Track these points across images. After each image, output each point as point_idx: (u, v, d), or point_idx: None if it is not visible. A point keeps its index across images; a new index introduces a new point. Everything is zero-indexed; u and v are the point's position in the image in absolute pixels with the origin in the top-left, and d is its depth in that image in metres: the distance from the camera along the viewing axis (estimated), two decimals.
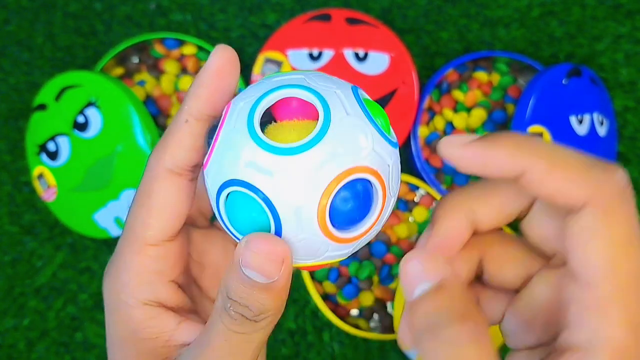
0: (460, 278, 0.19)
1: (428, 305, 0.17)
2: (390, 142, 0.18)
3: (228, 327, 0.18)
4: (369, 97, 0.19)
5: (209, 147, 0.19)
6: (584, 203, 0.16)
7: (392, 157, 0.18)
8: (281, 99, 0.18)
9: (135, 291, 0.20)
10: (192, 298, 0.23)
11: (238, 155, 0.17)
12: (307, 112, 0.18)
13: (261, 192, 0.17)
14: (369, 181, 0.18)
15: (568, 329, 0.17)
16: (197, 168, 0.21)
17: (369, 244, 0.44)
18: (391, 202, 0.19)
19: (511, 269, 0.20)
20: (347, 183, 0.17)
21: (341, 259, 0.19)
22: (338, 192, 0.17)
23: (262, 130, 0.18)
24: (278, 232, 0.18)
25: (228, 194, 0.18)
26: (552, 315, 0.19)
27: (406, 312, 0.18)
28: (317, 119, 0.18)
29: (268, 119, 0.18)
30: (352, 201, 0.18)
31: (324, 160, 0.17)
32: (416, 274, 0.17)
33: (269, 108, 0.18)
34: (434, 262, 0.17)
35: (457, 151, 0.18)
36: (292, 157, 0.17)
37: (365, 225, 0.18)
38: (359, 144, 0.17)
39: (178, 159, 0.20)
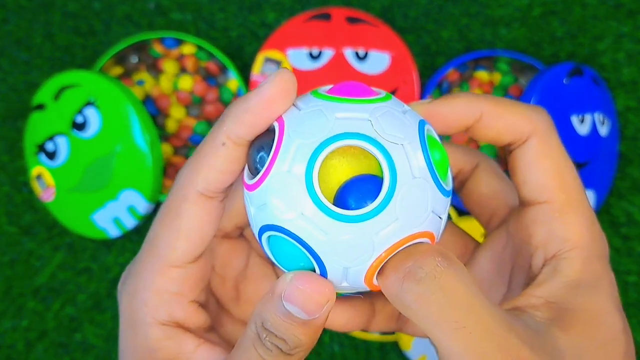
0: None
1: (394, 259, 0.17)
2: (444, 192, 0.18)
3: (262, 356, 0.18)
4: (433, 133, 0.19)
5: (258, 167, 0.18)
6: (529, 135, 0.20)
7: (445, 210, 0.18)
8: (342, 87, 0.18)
9: (154, 311, 0.20)
10: (210, 313, 0.23)
11: (291, 205, 0.17)
12: (365, 92, 0.18)
13: (311, 248, 0.17)
14: (421, 242, 0.18)
15: (537, 252, 0.20)
16: (229, 189, 0.20)
17: None
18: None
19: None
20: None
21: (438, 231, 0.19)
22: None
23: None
24: (316, 261, 0.17)
25: (271, 236, 0.18)
26: (512, 268, 0.22)
27: (378, 280, 0.18)
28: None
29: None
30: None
31: (383, 230, 0.16)
32: None
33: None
34: None
35: (425, 107, 0.20)
36: (350, 225, 0.16)
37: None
38: (420, 211, 0.17)
39: (211, 182, 0.19)
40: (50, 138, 0.44)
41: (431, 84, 0.46)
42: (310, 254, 0.17)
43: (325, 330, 0.46)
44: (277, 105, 0.18)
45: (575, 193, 0.20)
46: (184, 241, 0.20)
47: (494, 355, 0.16)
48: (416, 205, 0.17)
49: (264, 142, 0.18)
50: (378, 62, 0.45)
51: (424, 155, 0.17)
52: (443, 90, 0.46)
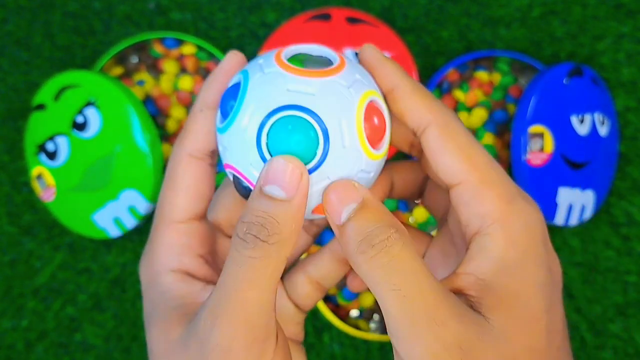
0: (379, 198, 0.22)
1: (356, 223, 0.19)
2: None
3: (241, 252, 0.19)
4: (378, 103, 0.22)
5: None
6: (429, 123, 0.21)
7: (375, 168, 0.21)
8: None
9: (166, 261, 0.22)
10: (217, 273, 0.24)
11: (243, 156, 0.20)
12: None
13: (309, 109, 0.19)
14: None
15: (465, 230, 0.21)
16: (214, 154, 0.23)
17: None
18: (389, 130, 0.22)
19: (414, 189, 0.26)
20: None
21: (367, 185, 0.22)
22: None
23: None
24: (326, 144, 0.20)
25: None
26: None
27: (337, 239, 0.20)
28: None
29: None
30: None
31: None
32: (340, 199, 0.20)
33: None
34: (353, 187, 0.20)
35: (372, 57, 0.22)
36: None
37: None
38: (349, 172, 0.20)
39: (196, 143, 0.22)
40: (51, 138, 0.44)
41: (431, 84, 0.46)
42: (311, 116, 0.20)
43: (325, 331, 0.46)
44: (235, 72, 0.22)
45: (487, 170, 0.20)
46: (182, 198, 0.22)
47: (421, 318, 0.18)
48: (345, 168, 0.20)
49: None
50: None
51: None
52: (443, 90, 0.47)
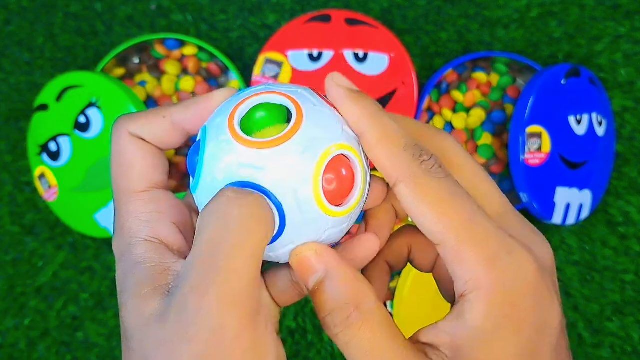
0: (351, 264, 0.20)
1: (319, 298, 0.19)
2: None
3: (229, 200, 0.18)
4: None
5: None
6: (396, 180, 0.19)
7: (357, 138, 0.20)
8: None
9: (137, 230, 0.22)
10: (190, 245, 0.24)
11: (232, 161, 0.19)
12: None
13: (260, 187, 0.19)
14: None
15: (455, 286, 0.20)
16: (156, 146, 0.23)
17: None
18: (368, 175, 0.21)
19: (424, 255, 0.24)
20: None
21: (341, 236, 0.21)
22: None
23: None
24: (282, 219, 0.19)
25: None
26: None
27: (312, 299, 0.20)
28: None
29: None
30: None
31: (306, 143, 0.19)
32: (302, 271, 0.19)
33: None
34: (313, 257, 0.19)
35: (339, 95, 0.20)
36: (277, 149, 0.19)
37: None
38: (329, 128, 0.19)
39: (139, 131, 0.22)
40: (53, 138, 0.44)
41: (430, 84, 0.46)
42: (262, 193, 0.19)
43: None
44: (214, 109, 0.22)
45: (466, 227, 0.19)
46: (136, 169, 0.22)
47: None
48: (308, 233, 0.19)
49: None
50: (377, 63, 0.46)
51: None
52: (442, 91, 0.47)
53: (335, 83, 0.20)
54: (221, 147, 0.19)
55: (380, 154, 0.19)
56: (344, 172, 0.20)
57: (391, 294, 0.44)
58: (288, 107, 0.20)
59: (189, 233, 0.23)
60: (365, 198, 0.21)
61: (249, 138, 0.19)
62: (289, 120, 0.20)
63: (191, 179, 0.21)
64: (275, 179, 0.19)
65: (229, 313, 0.17)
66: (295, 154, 0.19)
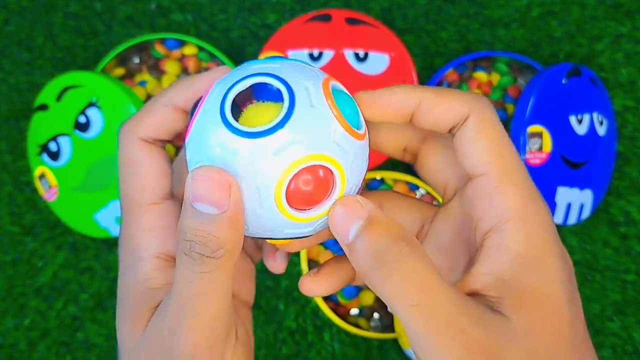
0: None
1: (365, 240, 0.18)
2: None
3: (191, 269, 0.19)
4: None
5: (190, 119, 0.20)
6: (467, 115, 0.21)
7: (354, 148, 0.19)
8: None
9: (148, 246, 0.22)
10: None
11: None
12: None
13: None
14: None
15: (478, 225, 0.20)
16: (164, 143, 0.24)
17: None
18: (352, 189, 0.20)
19: (406, 215, 0.25)
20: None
21: (306, 236, 0.20)
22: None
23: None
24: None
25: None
26: (458, 242, 0.22)
27: (347, 256, 0.19)
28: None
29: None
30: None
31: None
32: (345, 218, 0.19)
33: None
34: (357, 203, 0.19)
35: (368, 96, 0.21)
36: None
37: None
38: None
39: (151, 132, 0.23)
40: (53, 138, 0.44)
41: (430, 84, 0.46)
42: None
43: (325, 329, 0.46)
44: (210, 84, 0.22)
45: (513, 166, 0.20)
46: (148, 179, 0.22)
47: (442, 329, 0.17)
48: (313, 128, 0.18)
49: (197, 102, 0.20)
50: (378, 62, 0.46)
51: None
52: None
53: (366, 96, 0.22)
54: (205, 120, 0.19)
55: (453, 97, 0.21)
56: (315, 182, 0.19)
57: None
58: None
59: None
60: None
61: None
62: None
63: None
64: (243, 169, 0.18)
65: (198, 344, 0.20)
66: (269, 153, 0.18)
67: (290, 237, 0.20)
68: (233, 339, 0.21)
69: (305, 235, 0.20)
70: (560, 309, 0.19)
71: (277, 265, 0.26)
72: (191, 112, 0.21)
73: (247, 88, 0.19)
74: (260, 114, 0.19)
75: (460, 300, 0.18)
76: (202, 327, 0.19)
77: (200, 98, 0.21)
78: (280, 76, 0.19)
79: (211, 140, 0.19)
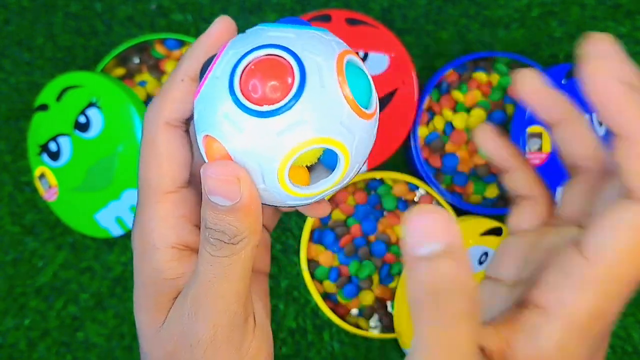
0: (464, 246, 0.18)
1: (433, 268, 0.16)
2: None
3: (211, 253, 0.20)
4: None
5: (200, 80, 0.20)
6: (629, 192, 0.18)
7: (360, 129, 0.19)
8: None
9: (164, 235, 0.22)
10: None
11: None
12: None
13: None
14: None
15: (538, 288, 0.19)
16: (189, 120, 0.23)
17: (369, 243, 0.44)
18: (355, 168, 0.20)
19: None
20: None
21: (307, 203, 0.21)
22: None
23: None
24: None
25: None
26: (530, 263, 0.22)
27: (405, 264, 0.17)
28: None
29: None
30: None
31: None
32: (427, 231, 0.16)
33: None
34: (447, 222, 0.16)
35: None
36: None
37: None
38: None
39: (174, 113, 0.22)
40: (53, 138, 0.44)
41: (430, 84, 0.46)
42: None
43: (325, 329, 0.46)
44: (223, 40, 0.22)
45: (618, 279, 0.18)
46: (168, 167, 0.22)
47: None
48: (321, 112, 0.18)
49: (210, 60, 0.20)
50: (377, 63, 0.46)
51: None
52: (442, 91, 0.47)
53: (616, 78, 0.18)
54: (213, 86, 0.19)
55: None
56: (319, 162, 0.20)
57: (391, 294, 0.44)
58: (293, 74, 0.18)
59: None
60: (342, 185, 0.21)
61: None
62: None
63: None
64: (247, 146, 0.19)
65: (218, 325, 0.20)
66: (274, 133, 0.18)
67: (293, 206, 0.21)
68: (252, 325, 0.22)
69: (307, 203, 0.21)
70: None
71: (322, 207, 0.25)
72: (201, 71, 0.21)
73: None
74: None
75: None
76: (221, 309, 0.20)
77: (212, 57, 0.20)
78: (294, 50, 0.19)
79: (218, 111, 0.19)
